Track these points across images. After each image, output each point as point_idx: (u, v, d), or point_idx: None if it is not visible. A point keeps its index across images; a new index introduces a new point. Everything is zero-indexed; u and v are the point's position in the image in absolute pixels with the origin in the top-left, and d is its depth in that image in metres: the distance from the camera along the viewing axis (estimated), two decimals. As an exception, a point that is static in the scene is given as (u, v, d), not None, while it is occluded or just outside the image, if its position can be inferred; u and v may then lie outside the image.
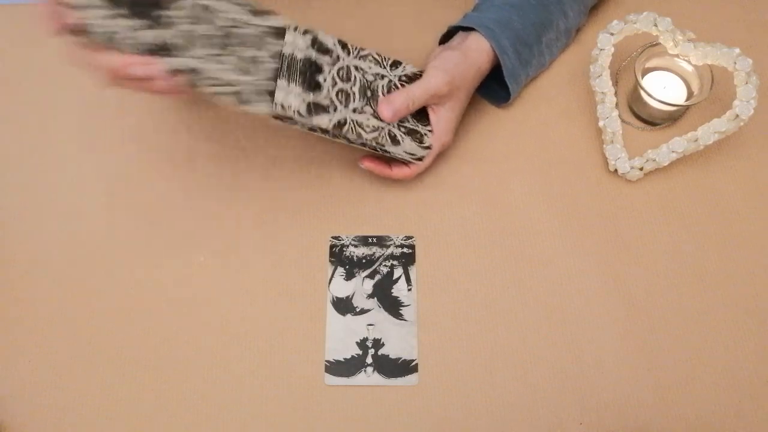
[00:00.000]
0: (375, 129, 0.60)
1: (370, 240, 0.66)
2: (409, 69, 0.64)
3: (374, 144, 0.61)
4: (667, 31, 0.64)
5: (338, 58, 0.60)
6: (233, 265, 0.66)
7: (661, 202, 0.67)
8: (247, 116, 0.72)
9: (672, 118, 0.70)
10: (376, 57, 0.63)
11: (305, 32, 0.58)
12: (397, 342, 0.62)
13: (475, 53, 0.64)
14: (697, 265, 0.64)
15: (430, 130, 0.65)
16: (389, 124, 0.61)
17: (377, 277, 0.65)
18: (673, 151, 0.65)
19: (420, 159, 0.64)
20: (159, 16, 0.51)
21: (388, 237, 0.66)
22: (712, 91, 0.65)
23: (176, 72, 0.52)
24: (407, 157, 0.64)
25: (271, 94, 0.55)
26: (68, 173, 0.70)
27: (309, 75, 0.57)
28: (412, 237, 0.66)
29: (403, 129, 0.63)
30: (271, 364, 0.62)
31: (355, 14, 0.76)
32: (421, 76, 0.64)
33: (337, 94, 0.58)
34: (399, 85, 0.63)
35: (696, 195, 0.67)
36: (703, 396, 0.59)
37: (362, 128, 0.59)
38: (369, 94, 0.61)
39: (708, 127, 0.63)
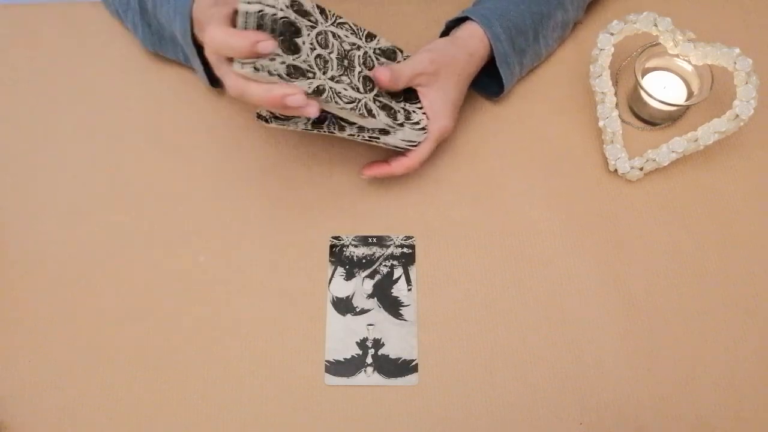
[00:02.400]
0: (352, 100, 0.59)
1: (370, 240, 0.66)
2: (383, 42, 0.64)
3: (367, 137, 0.60)
4: (667, 31, 0.64)
5: (316, 22, 0.58)
6: (233, 265, 0.66)
7: (661, 202, 0.67)
8: (246, 115, 0.72)
9: (672, 118, 0.70)
10: (353, 26, 0.62)
11: None
12: (397, 342, 0.62)
13: (466, 39, 0.64)
14: (697, 265, 0.64)
15: (420, 107, 0.64)
16: (366, 95, 0.59)
17: (377, 277, 0.65)
18: (673, 151, 0.65)
19: (414, 144, 0.63)
20: (299, 44, 0.55)
21: (388, 237, 0.66)
22: (712, 91, 0.65)
23: (314, 93, 0.55)
24: (403, 145, 0.62)
25: (387, 108, 0.60)
26: (68, 173, 0.70)
27: (288, 36, 0.56)
28: (412, 237, 0.66)
29: (378, 103, 0.61)
30: (271, 364, 0.62)
31: (359, 12, 0.76)
32: (392, 51, 0.64)
33: (315, 59, 0.57)
34: (374, 58, 0.62)
35: (696, 195, 0.67)
36: (703, 396, 0.59)
37: (340, 98, 0.58)
38: (346, 63, 0.60)
39: (708, 127, 0.63)
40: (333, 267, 0.65)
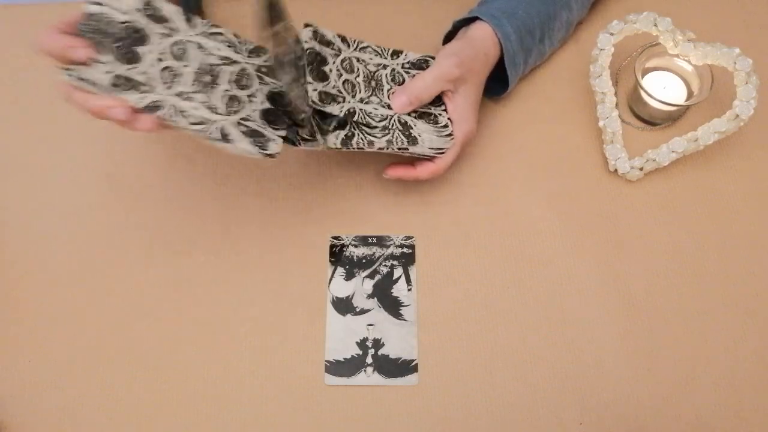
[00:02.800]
0: (384, 118, 0.58)
1: (370, 240, 0.66)
2: (411, 56, 0.64)
3: (396, 148, 0.59)
4: (667, 31, 0.64)
5: (339, 50, 0.59)
6: (233, 265, 0.66)
7: (661, 202, 0.67)
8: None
9: (672, 118, 0.70)
10: (376, 48, 0.62)
11: (306, 25, 0.57)
12: (397, 342, 0.62)
13: (479, 40, 0.64)
14: (697, 265, 0.64)
15: (444, 110, 0.63)
16: (224, 116, 0.53)
17: (377, 277, 0.65)
18: (673, 151, 0.65)
19: (442, 152, 0.62)
20: (139, 53, 0.50)
21: (388, 237, 0.66)
22: (712, 91, 0.65)
23: (147, 109, 0.49)
24: (431, 153, 0.62)
25: (257, 134, 0.53)
26: (68, 173, 0.70)
27: (316, 65, 0.56)
28: (412, 237, 0.66)
29: (414, 114, 0.61)
30: (271, 364, 0.62)
31: (358, 13, 0.76)
32: (424, 61, 0.63)
33: (343, 84, 0.57)
34: (403, 73, 0.62)
35: (696, 195, 0.67)
36: (703, 396, 0.60)
37: (371, 117, 0.58)
38: (374, 84, 0.59)
39: (708, 127, 0.63)
40: (333, 267, 0.65)
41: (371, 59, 0.61)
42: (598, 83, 0.66)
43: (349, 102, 0.57)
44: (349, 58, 0.59)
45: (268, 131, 0.54)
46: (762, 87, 0.63)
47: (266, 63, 0.57)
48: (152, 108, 0.50)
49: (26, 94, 0.74)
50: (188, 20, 0.53)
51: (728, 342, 0.61)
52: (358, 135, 0.58)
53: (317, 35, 0.57)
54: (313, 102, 0.53)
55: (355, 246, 0.66)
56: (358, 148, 0.58)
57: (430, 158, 0.63)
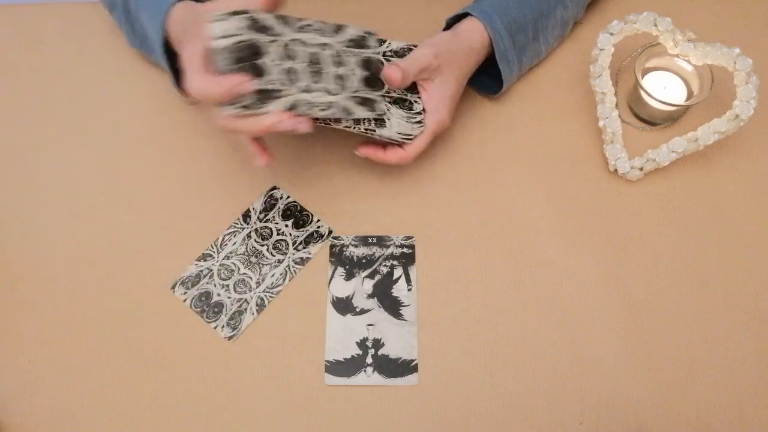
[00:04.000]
0: (328, 106, 0.58)
1: (370, 240, 0.66)
2: (351, 32, 0.61)
3: (363, 129, 0.60)
4: (667, 31, 0.64)
5: (279, 34, 0.57)
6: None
7: (661, 202, 0.67)
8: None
9: (672, 118, 0.70)
10: (318, 25, 0.60)
11: (235, 13, 0.54)
12: (397, 342, 0.62)
13: (466, 32, 0.64)
14: (697, 265, 0.64)
15: (419, 98, 0.63)
16: (341, 95, 0.58)
17: (377, 277, 0.65)
18: (673, 151, 0.65)
19: (410, 138, 0.62)
20: (262, 64, 0.54)
21: (388, 237, 0.66)
22: (712, 91, 0.65)
23: (292, 109, 0.54)
24: (399, 138, 0.62)
25: (367, 101, 0.59)
26: (68, 173, 0.70)
27: (250, 59, 0.54)
28: (412, 237, 0.66)
29: (357, 99, 0.60)
30: (271, 364, 0.62)
31: (356, 13, 0.76)
32: (362, 38, 0.62)
33: (285, 74, 0.56)
34: (345, 52, 0.60)
35: (696, 195, 0.67)
36: (703, 396, 0.59)
37: (314, 107, 0.57)
38: (316, 68, 0.58)
39: (708, 127, 0.63)
40: (333, 267, 0.65)
41: (313, 39, 0.59)
42: (598, 83, 0.66)
43: (290, 94, 0.56)
44: (290, 41, 0.57)
45: (372, 95, 0.60)
46: (762, 87, 0.63)
47: (347, 37, 0.61)
48: (292, 108, 0.55)
49: (26, 94, 0.74)
50: (284, 22, 0.57)
51: (728, 342, 0.61)
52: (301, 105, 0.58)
53: (254, 22, 0.55)
54: (251, 106, 0.54)
55: (355, 246, 0.66)
56: (324, 124, 0.59)
57: (399, 144, 0.63)
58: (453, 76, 0.63)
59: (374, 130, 0.61)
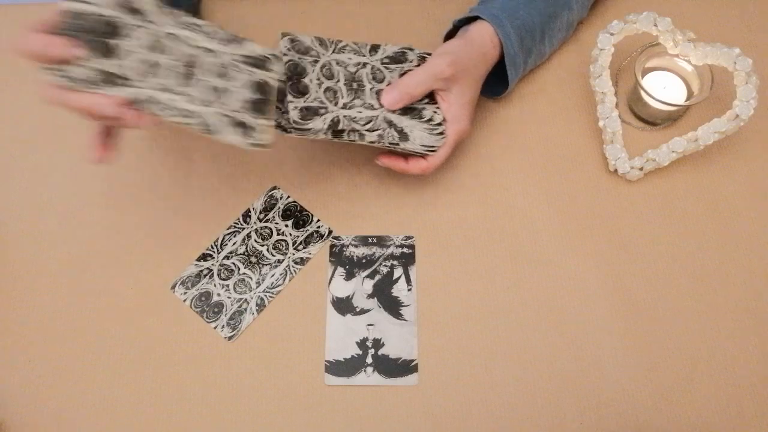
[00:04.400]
0: (369, 120, 0.58)
1: (370, 240, 0.66)
2: (390, 49, 0.63)
3: (386, 143, 0.60)
4: (667, 31, 0.64)
5: (318, 55, 0.58)
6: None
7: (661, 202, 0.67)
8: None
9: (672, 118, 0.70)
10: (354, 46, 0.61)
11: (283, 35, 0.56)
12: (397, 342, 0.62)
13: (478, 39, 0.63)
14: (697, 265, 0.64)
15: (437, 108, 0.62)
16: (210, 108, 0.52)
17: (377, 277, 0.65)
18: (673, 151, 0.65)
19: (434, 150, 0.62)
20: (115, 46, 0.50)
21: (388, 237, 0.66)
22: (712, 91, 0.65)
23: (132, 102, 0.49)
24: (422, 150, 0.62)
25: (241, 125, 0.52)
26: (68, 173, 0.70)
27: (295, 79, 0.56)
28: (412, 237, 0.66)
29: (399, 111, 0.61)
30: (271, 364, 0.62)
31: (357, 13, 0.76)
32: (401, 53, 0.63)
33: (324, 93, 0.57)
34: (382, 69, 0.62)
35: (696, 195, 0.67)
36: (703, 396, 0.60)
37: (356, 122, 0.58)
38: (355, 86, 0.59)
39: (708, 127, 0.63)
40: (333, 267, 0.65)
41: (350, 59, 0.60)
42: (598, 83, 0.66)
43: (331, 111, 0.57)
44: (329, 62, 0.58)
45: (255, 121, 0.53)
46: (762, 87, 0.63)
47: (385, 55, 0.58)
48: (134, 102, 0.49)
49: (26, 94, 0.74)
50: (321, 43, 0.55)
51: (728, 342, 0.61)
52: (351, 128, 0.59)
53: (295, 44, 0.56)
54: (295, 122, 0.53)
55: (355, 246, 0.66)
56: (349, 140, 0.59)
57: (421, 155, 0.63)
58: (468, 83, 0.63)
59: (398, 144, 0.60)
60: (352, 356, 0.62)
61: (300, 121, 0.54)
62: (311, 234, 0.66)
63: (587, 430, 0.59)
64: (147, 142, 0.71)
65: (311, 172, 0.69)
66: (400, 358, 0.62)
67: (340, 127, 0.57)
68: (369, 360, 0.62)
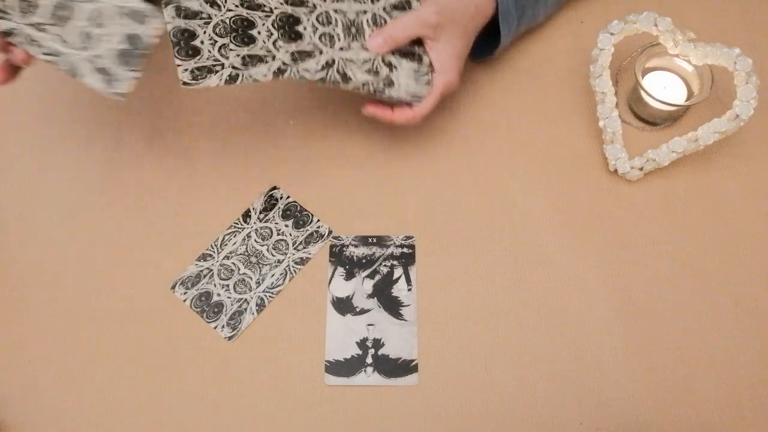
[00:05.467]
0: (367, 60, 0.59)
1: (370, 240, 0.66)
2: None
3: (371, 89, 0.60)
4: (667, 31, 0.64)
5: (314, 6, 0.59)
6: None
7: (661, 202, 0.67)
8: (246, 115, 0.72)
9: (672, 118, 0.70)
10: None
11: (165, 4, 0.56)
12: (397, 342, 0.62)
13: None
14: (697, 265, 0.64)
15: (425, 51, 0.63)
16: (84, 53, 0.56)
17: (377, 277, 0.65)
18: (673, 151, 0.65)
19: (419, 99, 0.63)
20: None
21: (388, 237, 0.66)
22: (712, 91, 0.65)
23: (7, 35, 0.53)
24: (408, 98, 0.62)
25: (104, 72, 0.55)
26: (68, 173, 0.70)
27: (288, 27, 0.57)
28: (412, 237, 0.66)
29: (398, 53, 0.61)
30: (271, 364, 0.62)
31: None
32: (407, 2, 0.63)
33: (320, 38, 0.58)
34: (384, 16, 0.62)
35: (696, 195, 0.67)
36: (703, 396, 0.59)
37: (354, 63, 0.59)
38: (354, 31, 0.60)
39: (708, 127, 0.63)
40: (333, 267, 0.65)
41: (350, 7, 0.61)
42: (598, 83, 0.66)
43: (326, 53, 0.58)
44: (326, 11, 0.59)
45: (120, 71, 0.56)
46: (762, 87, 0.63)
47: (389, 2, 0.60)
48: (328, 65, 0.55)
49: (26, 94, 0.74)
50: None
51: (728, 342, 0.61)
52: (334, 71, 0.59)
53: (180, 11, 0.56)
54: (284, 63, 0.55)
55: (355, 246, 0.66)
56: (333, 83, 0.59)
57: (407, 104, 0.63)
58: (457, 35, 0.63)
59: (384, 91, 0.61)
60: (352, 356, 0.62)
61: (191, 81, 0.55)
62: (311, 234, 0.66)
63: (587, 430, 0.59)
64: (147, 142, 0.71)
65: (311, 172, 0.69)
66: (400, 358, 0.62)
67: (335, 68, 0.58)
68: (369, 360, 0.62)
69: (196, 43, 0.55)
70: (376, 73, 0.60)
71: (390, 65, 0.61)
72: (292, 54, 0.56)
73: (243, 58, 0.55)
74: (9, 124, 0.72)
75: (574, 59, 0.73)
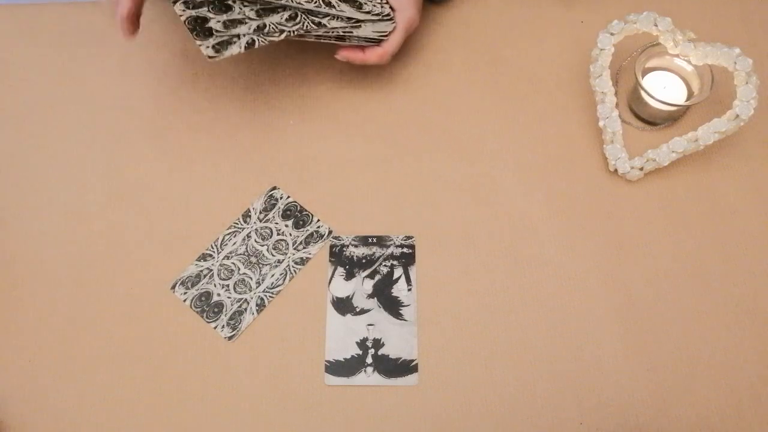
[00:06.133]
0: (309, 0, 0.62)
1: (370, 240, 0.66)
2: None
3: (340, 32, 0.63)
4: (667, 31, 0.64)
5: None
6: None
7: (661, 202, 0.67)
8: (246, 115, 0.72)
9: (672, 118, 0.70)
10: None
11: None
12: (397, 342, 0.62)
13: None
14: (696, 265, 0.64)
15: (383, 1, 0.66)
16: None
17: (377, 277, 0.65)
18: (673, 151, 0.65)
19: (386, 35, 0.65)
20: None
21: (388, 237, 0.66)
22: (712, 91, 0.65)
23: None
24: (375, 36, 0.65)
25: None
26: (68, 173, 0.70)
27: (198, 30, 0.59)
28: (412, 237, 0.66)
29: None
30: (271, 364, 0.62)
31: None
32: None
33: None
34: None
35: (696, 195, 0.67)
36: (703, 396, 0.60)
37: (320, 11, 0.61)
38: None
39: (708, 127, 0.63)
40: (333, 267, 0.65)
41: None
42: (598, 83, 0.66)
43: (290, 8, 0.61)
44: None
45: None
46: (762, 87, 0.63)
47: None
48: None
49: (26, 94, 0.74)
50: None
51: (728, 342, 0.61)
52: (302, 20, 0.62)
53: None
54: (210, 57, 0.58)
55: (355, 246, 0.66)
56: (298, 35, 0.61)
57: (377, 43, 0.65)
58: None
59: (351, 33, 0.63)
60: (352, 356, 0.62)
61: (215, 54, 0.59)
62: (311, 234, 0.66)
63: (587, 430, 0.59)
64: (147, 142, 0.71)
65: (311, 172, 0.69)
66: (400, 358, 0.62)
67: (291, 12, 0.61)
68: (369, 360, 0.62)
69: (212, 24, 0.59)
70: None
71: (329, 4, 0.62)
72: (257, 12, 0.59)
73: (224, 23, 0.59)
74: (9, 124, 0.72)
75: (574, 59, 0.73)
